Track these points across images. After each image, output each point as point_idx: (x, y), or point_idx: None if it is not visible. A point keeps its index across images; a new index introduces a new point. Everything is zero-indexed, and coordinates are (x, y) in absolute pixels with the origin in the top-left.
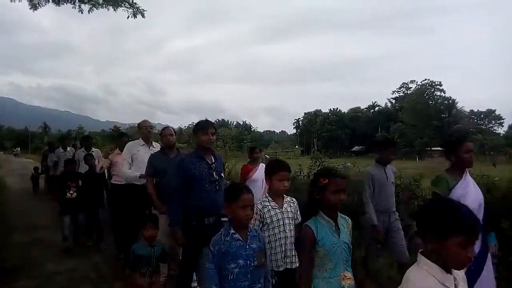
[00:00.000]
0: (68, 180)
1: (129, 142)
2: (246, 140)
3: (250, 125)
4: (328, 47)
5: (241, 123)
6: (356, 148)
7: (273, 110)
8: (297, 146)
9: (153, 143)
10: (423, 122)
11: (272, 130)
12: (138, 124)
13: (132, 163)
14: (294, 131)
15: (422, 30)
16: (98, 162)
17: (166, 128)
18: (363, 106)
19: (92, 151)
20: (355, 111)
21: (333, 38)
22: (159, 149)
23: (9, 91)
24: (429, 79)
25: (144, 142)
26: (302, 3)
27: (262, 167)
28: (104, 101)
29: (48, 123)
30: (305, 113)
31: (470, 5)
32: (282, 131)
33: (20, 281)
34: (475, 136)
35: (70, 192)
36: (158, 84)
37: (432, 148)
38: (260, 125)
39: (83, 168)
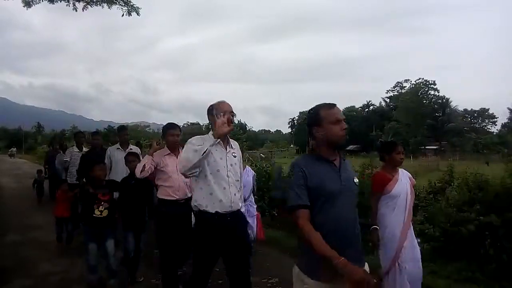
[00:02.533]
0: (97, 190)
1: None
2: (241, 140)
3: (245, 125)
4: (323, 47)
5: (236, 122)
6: (350, 147)
7: (268, 109)
8: (292, 145)
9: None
10: (417, 121)
11: (267, 129)
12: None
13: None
14: (289, 130)
15: (417, 30)
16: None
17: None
18: (358, 105)
19: (131, 149)
20: (350, 110)
21: (328, 38)
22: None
23: (1, 90)
24: (423, 78)
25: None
26: (297, 3)
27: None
28: (97, 100)
29: (41, 122)
30: (300, 112)
31: (464, 6)
32: (277, 130)
33: (14, 282)
34: (469, 134)
35: (100, 208)
36: (151, 83)
37: (426, 147)
38: (255, 124)
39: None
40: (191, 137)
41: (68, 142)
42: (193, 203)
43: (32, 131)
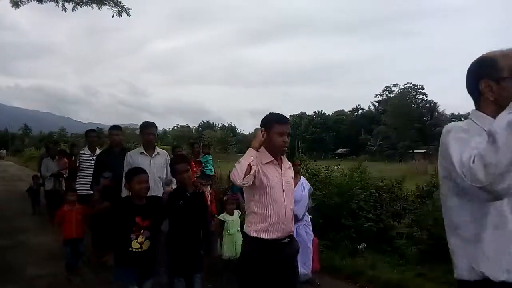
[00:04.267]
0: (135, 212)
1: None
2: (231, 142)
3: (235, 127)
4: (312, 50)
5: (226, 125)
6: (340, 150)
7: (257, 112)
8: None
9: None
10: (405, 125)
11: None
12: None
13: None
14: None
15: (405, 34)
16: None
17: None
18: (347, 109)
19: (158, 153)
20: (339, 114)
21: (317, 41)
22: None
23: None
24: (411, 83)
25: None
26: (286, 5)
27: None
28: (86, 102)
29: (29, 124)
30: (290, 116)
31: (452, 10)
32: None
33: (1, 286)
34: None
35: (140, 239)
36: (140, 85)
37: (415, 151)
38: (245, 127)
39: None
40: (180, 140)
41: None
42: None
43: (19, 133)
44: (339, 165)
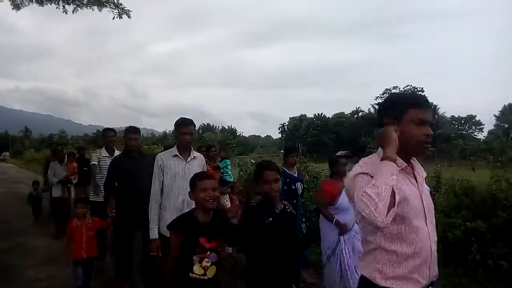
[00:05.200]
0: (199, 231)
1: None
2: (231, 145)
3: (235, 130)
4: (312, 53)
5: (226, 127)
6: (340, 152)
7: (257, 114)
8: (282, 151)
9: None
10: None
11: (257, 134)
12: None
13: None
14: (280, 135)
15: (405, 37)
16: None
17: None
18: (347, 111)
19: (195, 157)
20: (339, 116)
21: (317, 44)
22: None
23: None
24: (411, 85)
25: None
26: (286, 9)
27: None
28: (86, 105)
29: (29, 126)
30: (290, 118)
31: (452, 13)
32: (267, 135)
33: None
34: (456, 141)
35: (204, 263)
36: (140, 87)
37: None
38: (245, 129)
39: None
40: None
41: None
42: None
43: (19, 135)
44: None
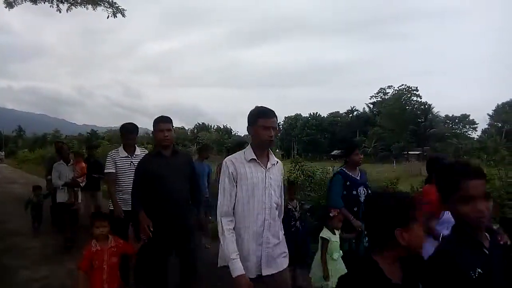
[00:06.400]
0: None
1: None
2: (227, 144)
3: (231, 129)
4: (306, 52)
5: (222, 127)
6: (335, 152)
7: None
8: (277, 150)
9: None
10: (400, 126)
11: None
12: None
13: None
14: None
15: (400, 36)
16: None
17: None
18: (342, 110)
19: (277, 162)
20: (334, 115)
21: (311, 43)
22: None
23: None
24: (406, 85)
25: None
26: (281, 8)
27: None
28: (80, 104)
29: (22, 126)
30: (285, 117)
31: (446, 13)
32: None
33: None
34: (450, 140)
35: None
36: (135, 86)
37: (409, 152)
38: (241, 128)
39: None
40: (177, 142)
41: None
42: None
43: (12, 135)
44: (334, 166)
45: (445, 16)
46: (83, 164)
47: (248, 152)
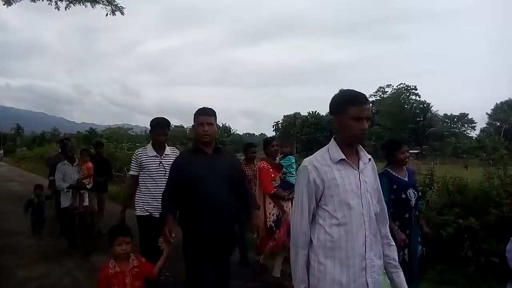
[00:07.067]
0: None
1: None
2: (226, 143)
3: (230, 128)
4: (305, 51)
5: (220, 125)
6: None
7: (251, 112)
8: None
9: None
10: (399, 125)
11: (251, 132)
12: None
13: None
14: (274, 133)
15: (398, 36)
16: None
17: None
18: None
19: (369, 159)
20: None
21: (310, 43)
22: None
23: None
24: (404, 84)
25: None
26: (280, 7)
27: None
28: (78, 102)
29: (21, 124)
30: (284, 116)
31: (444, 13)
32: (261, 133)
33: None
34: (449, 139)
35: None
36: (133, 85)
37: (408, 151)
38: (239, 127)
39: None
40: (175, 140)
41: (48, 144)
42: None
43: (11, 133)
44: None
45: (445, 16)
46: (90, 164)
47: (334, 150)
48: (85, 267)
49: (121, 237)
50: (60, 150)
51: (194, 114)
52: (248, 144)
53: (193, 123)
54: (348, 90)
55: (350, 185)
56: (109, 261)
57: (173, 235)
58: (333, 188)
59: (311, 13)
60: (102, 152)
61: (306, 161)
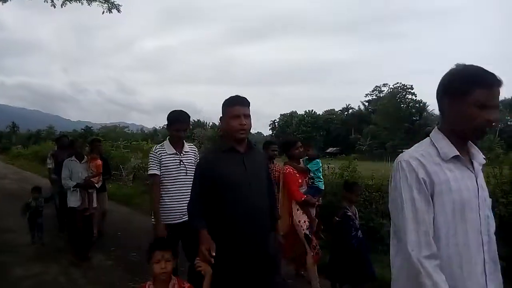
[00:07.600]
0: None
1: None
2: None
3: None
4: (302, 50)
5: (217, 124)
6: (330, 149)
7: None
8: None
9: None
10: (395, 124)
11: None
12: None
13: None
14: (270, 132)
15: (394, 35)
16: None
17: None
18: (337, 108)
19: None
20: (330, 113)
21: (307, 41)
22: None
23: None
24: (401, 83)
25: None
26: (277, 5)
27: None
28: (74, 100)
29: (16, 122)
30: (281, 115)
31: (441, 12)
32: (258, 132)
33: None
34: None
35: None
36: (130, 83)
37: (404, 150)
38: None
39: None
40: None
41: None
42: None
43: (6, 130)
44: (329, 163)
45: (441, 15)
46: (99, 162)
47: (444, 144)
48: (82, 266)
49: (159, 252)
50: (56, 149)
51: (224, 104)
52: (268, 142)
53: (221, 116)
54: (474, 66)
55: (468, 192)
56: (146, 283)
57: (213, 254)
58: (446, 193)
59: (309, 11)
60: (100, 149)
61: (407, 155)
